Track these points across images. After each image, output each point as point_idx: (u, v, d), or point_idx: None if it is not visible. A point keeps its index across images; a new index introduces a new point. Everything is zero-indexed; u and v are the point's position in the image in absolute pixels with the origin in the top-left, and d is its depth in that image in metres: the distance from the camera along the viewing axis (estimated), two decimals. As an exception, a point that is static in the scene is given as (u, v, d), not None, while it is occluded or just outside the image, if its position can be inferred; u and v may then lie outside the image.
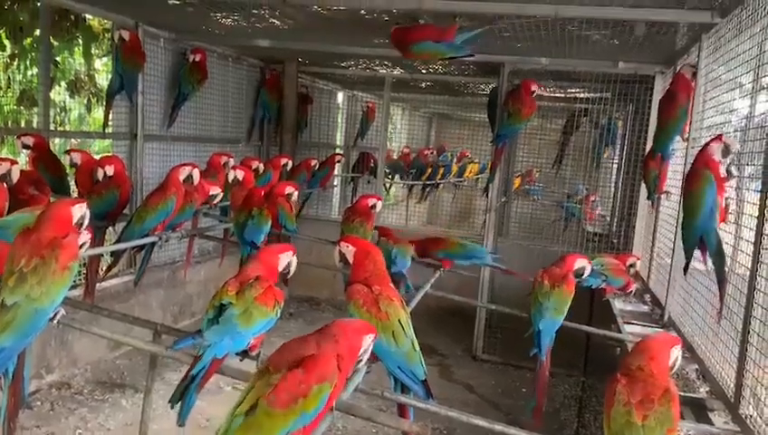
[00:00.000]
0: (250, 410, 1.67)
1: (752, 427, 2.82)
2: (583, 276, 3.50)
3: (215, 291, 2.40)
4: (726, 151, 2.95)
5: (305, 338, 1.87)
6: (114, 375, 5.28)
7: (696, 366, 3.64)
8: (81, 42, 6.28)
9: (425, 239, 4.27)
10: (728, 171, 3.00)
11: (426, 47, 3.96)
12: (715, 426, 2.92)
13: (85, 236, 3.05)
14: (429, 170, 10.47)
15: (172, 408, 2.26)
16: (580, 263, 3.46)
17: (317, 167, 6.95)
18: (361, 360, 1.97)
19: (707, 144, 3.07)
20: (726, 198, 3.15)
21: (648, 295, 5.18)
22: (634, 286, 4.21)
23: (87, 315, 3.20)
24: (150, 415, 3.05)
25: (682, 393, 3.51)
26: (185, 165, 4.09)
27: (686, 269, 3.22)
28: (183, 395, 2.24)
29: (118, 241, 3.94)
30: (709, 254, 3.01)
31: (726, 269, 3.00)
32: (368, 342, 1.95)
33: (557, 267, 3.41)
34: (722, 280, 2.96)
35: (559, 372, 5.89)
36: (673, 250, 4.47)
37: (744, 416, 2.90)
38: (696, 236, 2.98)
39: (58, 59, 6.25)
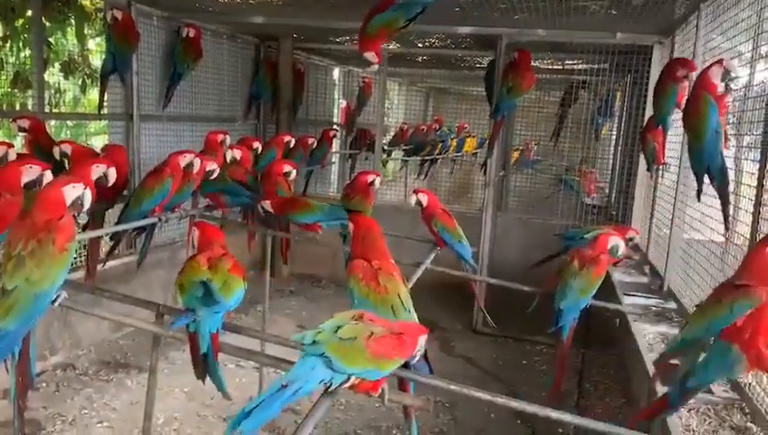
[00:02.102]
0: None
1: (750, 395, 2.85)
2: (618, 254, 3.46)
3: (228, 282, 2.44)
4: (726, 76, 2.93)
5: None
6: (118, 356, 5.32)
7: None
8: (73, 22, 6.22)
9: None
10: (726, 86, 2.97)
11: (375, 21, 3.87)
12: (714, 394, 2.95)
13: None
14: (428, 147, 10.46)
15: (204, 383, 2.38)
16: (614, 241, 3.38)
17: (314, 145, 6.92)
18: None
19: (708, 67, 3.03)
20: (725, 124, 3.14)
21: (648, 266, 5.20)
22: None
23: (89, 297, 3.22)
24: (155, 394, 3.08)
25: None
26: (187, 152, 4.05)
27: (698, 195, 3.18)
28: (206, 373, 2.35)
29: (117, 224, 3.93)
30: (714, 176, 2.97)
31: (729, 190, 3.00)
32: None
33: (589, 248, 3.33)
34: (725, 202, 2.96)
35: (556, 345, 5.94)
36: (672, 221, 4.48)
37: (743, 384, 2.94)
38: (705, 160, 2.95)
39: (51, 40, 6.19)
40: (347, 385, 1.94)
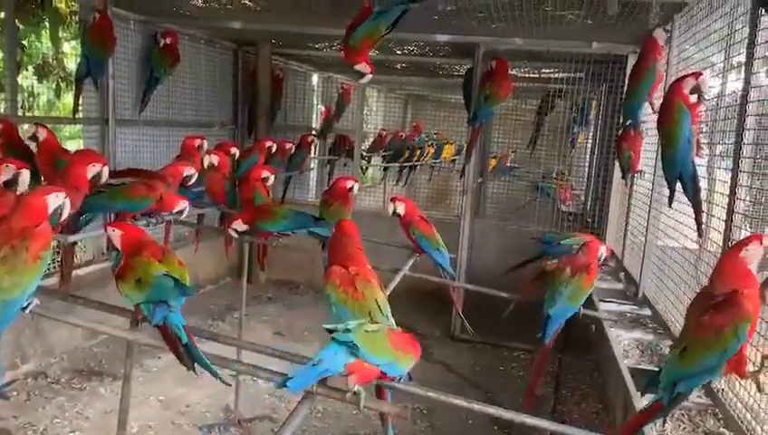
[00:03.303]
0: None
1: (723, 400, 2.89)
2: (600, 260, 3.48)
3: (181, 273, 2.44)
4: (696, 90, 2.97)
5: None
6: (92, 363, 5.24)
7: (671, 342, 3.72)
8: (48, 25, 6.13)
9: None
10: (699, 96, 3.01)
11: (357, 33, 3.88)
12: (688, 400, 2.98)
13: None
14: (407, 152, 10.50)
15: (196, 373, 2.36)
16: (601, 250, 3.39)
17: (292, 150, 6.90)
18: None
19: (683, 77, 3.06)
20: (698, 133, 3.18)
21: (623, 273, 5.26)
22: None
23: (62, 304, 3.16)
24: (129, 402, 3.04)
25: (656, 369, 3.60)
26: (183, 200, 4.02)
27: (670, 201, 3.22)
28: (194, 362, 2.33)
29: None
30: (685, 183, 3.01)
31: (701, 198, 3.04)
32: None
33: (583, 255, 3.31)
34: (698, 209, 3.00)
35: (535, 349, 5.97)
36: (646, 229, 4.54)
37: (715, 390, 2.98)
38: (677, 167, 2.99)
39: (24, 42, 6.10)
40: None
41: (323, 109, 9.53)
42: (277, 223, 4.00)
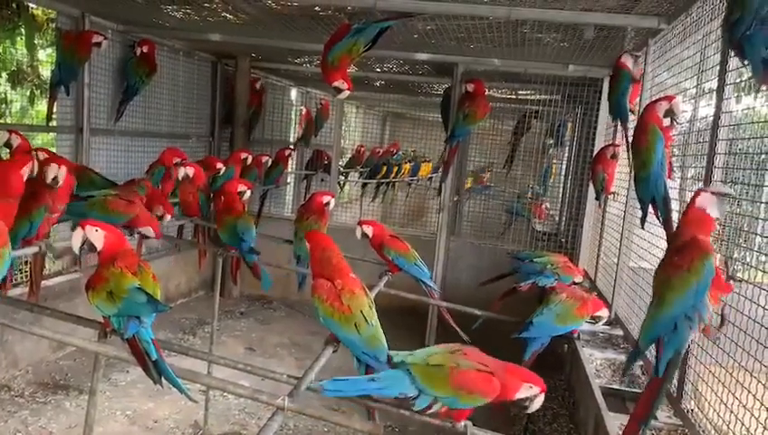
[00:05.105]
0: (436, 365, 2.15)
1: (693, 421, 2.92)
2: (598, 325, 3.49)
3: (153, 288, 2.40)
4: (669, 113, 3.02)
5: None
6: (57, 376, 5.12)
7: (641, 363, 3.75)
8: (23, 31, 6.06)
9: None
10: (672, 120, 3.07)
11: (335, 50, 3.91)
12: (658, 420, 3.01)
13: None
14: (384, 169, 10.54)
15: (162, 387, 2.33)
16: (604, 312, 3.42)
17: (269, 164, 6.88)
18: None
19: (656, 100, 3.11)
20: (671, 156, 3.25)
21: (595, 293, 5.30)
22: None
23: (29, 315, 3.09)
24: (95, 417, 2.97)
25: (627, 389, 3.63)
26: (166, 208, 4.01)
27: (643, 222, 3.27)
28: (161, 376, 2.29)
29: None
30: (658, 205, 3.05)
31: (673, 220, 3.06)
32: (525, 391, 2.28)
33: (583, 291, 3.42)
34: (668, 228, 3.02)
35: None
36: (619, 250, 4.59)
37: (685, 410, 3.01)
38: (651, 189, 3.03)
39: (-1, 49, 6.02)
40: (431, 410, 2.12)
41: (304, 110, 9.49)
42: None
